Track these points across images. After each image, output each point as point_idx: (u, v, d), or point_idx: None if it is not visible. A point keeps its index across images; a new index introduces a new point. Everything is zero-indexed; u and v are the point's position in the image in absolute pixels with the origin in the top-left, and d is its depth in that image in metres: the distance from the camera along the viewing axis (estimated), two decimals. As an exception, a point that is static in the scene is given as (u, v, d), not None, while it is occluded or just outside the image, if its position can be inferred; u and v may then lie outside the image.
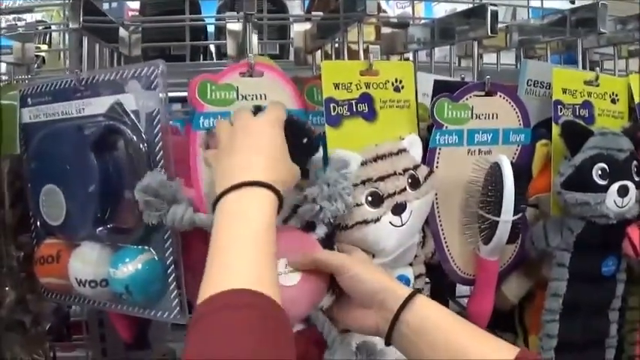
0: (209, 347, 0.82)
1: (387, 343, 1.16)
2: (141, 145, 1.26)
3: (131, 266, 1.27)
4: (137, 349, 1.80)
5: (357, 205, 1.23)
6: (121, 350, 1.88)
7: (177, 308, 1.29)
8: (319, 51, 1.95)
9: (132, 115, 1.27)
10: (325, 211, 1.15)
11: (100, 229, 1.31)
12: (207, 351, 0.82)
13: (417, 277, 1.38)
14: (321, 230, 1.23)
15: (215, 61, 2.29)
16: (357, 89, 1.33)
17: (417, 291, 1.16)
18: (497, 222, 1.32)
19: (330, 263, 1.18)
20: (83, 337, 1.92)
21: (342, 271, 1.17)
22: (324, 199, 1.15)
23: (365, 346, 1.25)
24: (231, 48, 1.82)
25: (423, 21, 2.14)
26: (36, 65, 1.95)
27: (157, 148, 1.25)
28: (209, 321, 0.86)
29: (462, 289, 2.05)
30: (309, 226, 1.22)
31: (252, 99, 1.30)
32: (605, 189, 1.36)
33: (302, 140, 1.17)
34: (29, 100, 1.43)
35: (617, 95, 1.54)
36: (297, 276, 1.18)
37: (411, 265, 1.37)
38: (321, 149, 1.23)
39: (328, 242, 1.23)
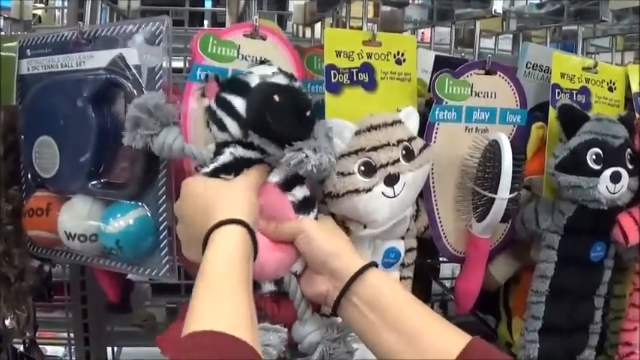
0: None
1: (334, 313, 1.16)
2: (141, 100, 1.25)
3: (123, 221, 1.27)
4: (118, 313, 1.79)
5: (349, 174, 1.22)
6: (101, 313, 1.88)
7: (167, 266, 1.28)
8: (317, 24, 1.94)
9: (134, 70, 1.26)
10: (310, 159, 1.12)
11: (94, 182, 1.31)
12: None
13: (407, 250, 1.37)
14: (300, 192, 1.21)
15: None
16: (359, 58, 1.33)
17: (373, 264, 1.16)
18: (493, 199, 1.32)
19: (286, 231, 1.17)
20: (64, 298, 1.91)
21: (298, 234, 1.16)
22: (309, 148, 1.13)
23: (336, 323, 1.23)
24: (229, 16, 1.81)
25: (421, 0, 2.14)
26: (32, 23, 1.93)
27: (157, 104, 1.23)
28: None
29: (445, 272, 2.06)
30: (287, 186, 1.20)
31: (252, 60, 1.29)
32: (598, 174, 1.37)
33: (305, 113, 1.16)
34: (28, 51, 1.42)
35: (614, 84, 1.55)
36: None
37: (402, 238, 1.36)
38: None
39: (303, 207, 1.21)
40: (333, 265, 1.14)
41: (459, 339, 1.03)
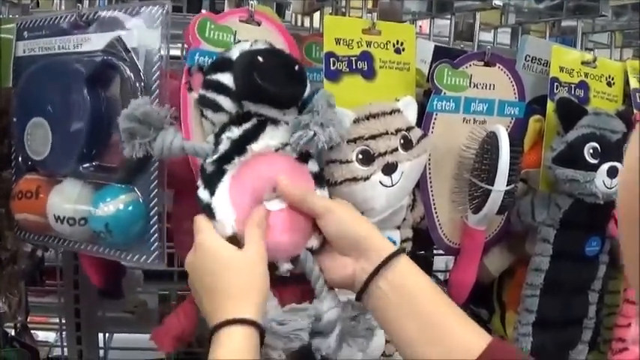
0: None
1: (359, 297, 1.14)
2: (137, 84, 1.23)
3: (113, 205, 1.24)
4: (110, 298, 1.78)
5: (348, 162, 1.22)
6: (93, 299, 1.87)
7: (156, 253, 1.25)
8: (316, 14, 1.94)
9: (131, 52, 1.24)
10: (319, 136, 1.12)
11: (85, 165, 1.28)
12: None
13: (403, 240, 1.37)
14: (314, 166, 1.21)
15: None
16: (358, 47, 1.32)
17: (403, 251, 1.15)
18: (490, 191, 1.32)
19: (316, 205, 1.16)
20: (56, 283, 1.90)
21: (326, 214, 1.15)
22: (316, 124, 1.13)
23: (353, 302, 1.20)
24: (228, 3, 1.80)
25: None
26: (30, 7, 1.92)
27: (154, 87, 1.22)
28: None
29: (438, 265, 2.05)
30: (302, 159, 1.20)
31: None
32: (595, 168, 1.37)
33: (294, 67, 1.15)
34: (26, 33, 1.40)
35: (613, 79, 1.55)
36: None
37: (398, 228, 1.36)
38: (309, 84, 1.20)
39: (318, 180, 1.21)
40: (365, 248, 1.12)
41: (481, 338, 1.03)
